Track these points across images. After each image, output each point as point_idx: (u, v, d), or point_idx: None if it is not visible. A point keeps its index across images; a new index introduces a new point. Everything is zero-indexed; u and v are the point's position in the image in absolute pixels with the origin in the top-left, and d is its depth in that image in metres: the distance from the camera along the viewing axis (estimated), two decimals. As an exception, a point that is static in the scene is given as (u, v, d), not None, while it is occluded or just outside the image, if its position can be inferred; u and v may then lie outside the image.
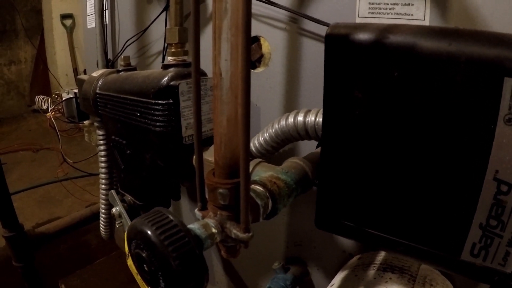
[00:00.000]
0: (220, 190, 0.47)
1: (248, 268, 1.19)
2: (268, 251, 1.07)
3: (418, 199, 0.50)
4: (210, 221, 0.49)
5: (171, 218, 0.45)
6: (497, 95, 0.40)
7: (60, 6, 4.33)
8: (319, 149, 0.72)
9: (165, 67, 0.82)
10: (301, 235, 0.97)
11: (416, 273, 0.73)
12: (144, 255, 0.45)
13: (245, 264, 1.19)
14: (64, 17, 4.31)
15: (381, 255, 0.79)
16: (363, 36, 0.49)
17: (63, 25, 4.34)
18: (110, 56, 1.42)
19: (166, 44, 1.10)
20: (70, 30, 4.38)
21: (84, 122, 1.36)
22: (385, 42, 0.47)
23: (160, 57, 1.19)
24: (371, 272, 0.74)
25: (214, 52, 0.46)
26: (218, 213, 0.49)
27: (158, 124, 0.78)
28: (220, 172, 0.49)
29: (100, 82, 1.00)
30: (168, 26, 0.83)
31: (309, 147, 0.83)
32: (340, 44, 0.51)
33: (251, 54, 0.87)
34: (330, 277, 0.86)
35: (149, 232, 0.43)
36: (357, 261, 0.81)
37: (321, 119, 0.64)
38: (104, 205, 1.26)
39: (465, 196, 0.46)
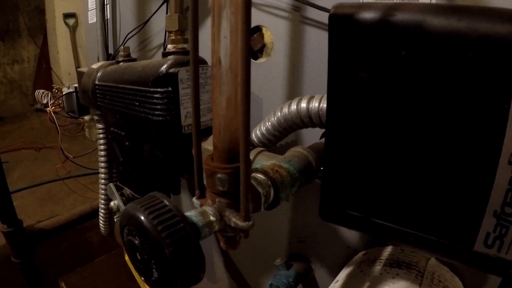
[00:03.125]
0: (219, 175, 0.45)
1: (250, 265, 1.17)
2: (270, 247, 1.05)
3: (428, 186, 0.47)
4: (208, 209, 0.47)
5: (166, 203, 0.42)
6: (511, 74, 0.38)
7: (63, 5, 4.33)
8: (323, 140, 0.70)
9: (165, 55, 0.80)
10: (304, 230, 0.94)
11: (424, 269, 0.70)
12: (136, 242, 0.42)
13: (247, 261, 1.17)
14: (67, 16, 4.31)
15: (387, 250, 0.77)
16: (368, 15, 0.46)
17: (66, 24, 4.35)
18: (111, 51, 1.40)
19: (166, 36, 1.09)
20: (73, 29, 4.38)
21: (85, 117, 1.34)
22: (392, 20, 0.45)
23: (161, 50, 1.18)
24: (377, 267, 0.72)
25: (213, 29, 0.44)
26: (217, 200, 0.47)
27: (157, 113, 0.76)
28: (219, 156, 0.46)
29: (99, 74, 0.98)
30: (168, 14, 0.81)
31: (312, 140, 0.80)
32: (344, 24, 0.48)
33: (252, 44, 0.85)
34: (334, 274, 0.84)
35: (141, 217, 0.40)
36: (363, 257, 0.79)
37: (325, 105, 0.62)
38: (104, 200, 1.24)
39: (478, 182, 0.43)
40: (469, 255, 0.47)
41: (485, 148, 0.42)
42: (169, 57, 0.78)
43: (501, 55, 0.38)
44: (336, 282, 0.74)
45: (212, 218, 0.46)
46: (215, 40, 0.44)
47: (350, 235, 0.85)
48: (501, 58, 0.38)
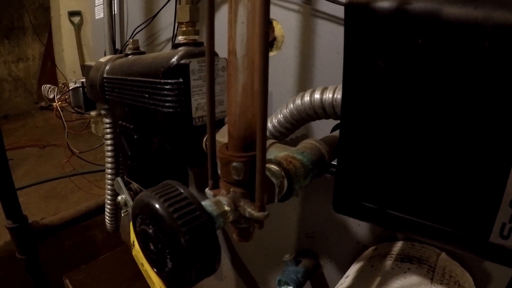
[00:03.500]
0: (234, 164, 0.44)
1: (257, 261, 1.16)
2: (278, 243, 1.04)
3: (444, 177, 0.47)
4: (223, 199, 0.46)
5: (181, 190, 0.42)
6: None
7: (68, 3, 4.36)
8: (334, 133, 0.70)
9: (175, 46, 0.79)
10: (313, 226, 0.94)
11: (435, 264, 0.70)
12: (150, 231, 0.41)
13: (254, 257, 1.17)
14: (72, 14, 4.34)
15: (398, 245, 0.76)
16: (384, 3, 0.46)
17: (71, 22, 4.37)
18: (118, 46, 1.40)
19: (175, 31, 1.09)
20: (78, 27, 4.40)
21: (91, 113, 1.34)
22: (408, 9, 0.44)
23: (169, 45, 1.18)
24: (388, 262, 0.71)
25: (230, 16, 0.43)
26: (232, 190, 0.46)
27: (167, 104, 0.76)
28: (234, 145, 0.46)
29: (107, 67, 0.98)
30: (179, 5, 0.81)
31: (322, 134, 0.80)
32: (361, 13, 0.48)
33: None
34: (343, 270, 0.84)
35: (156, 205, 0.40)
36: (373, 252, 0.78)
37: (339, 96, 0.62)
38: (110, 195, 1.24)
39: (493, 171, 0.43)
40: (485, 247, 0.46)
41: (501, 137, 0.41)
42: (180, 48, 0.77)
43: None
44: (347, 277, 0.74)
45: (226, 208, 0.45)
46: (231, 27, 0.43)
47: (360, 230, 0.85)
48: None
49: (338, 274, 0.92)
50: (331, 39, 0.77)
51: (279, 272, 0.94)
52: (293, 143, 0.81)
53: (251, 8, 0.42)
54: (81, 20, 4.38)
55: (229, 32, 0.43)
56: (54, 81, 4.81)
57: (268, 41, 0.38)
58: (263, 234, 1.05)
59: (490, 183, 0.44)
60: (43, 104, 5.06)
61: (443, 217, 0.48)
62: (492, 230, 0.45)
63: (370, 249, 0.81)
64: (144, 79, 0.80)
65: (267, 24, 0.38)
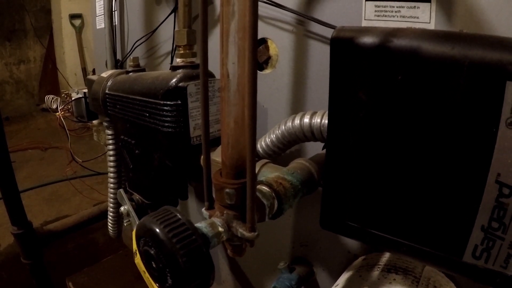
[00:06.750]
0: (227, 190, 0.48)
1: (254, 267, 1.20)
2: (274, 251, 1.08)
3: (421, 201, 0.50)
4: (217, 220, 0.50)
5: (179, 216, 0.46)
6: (500, 99, 0.41)
7: (69, 6, 4.37)
8: (324, 151, 0.73)
9: (174, 68, 0.83)
10: (307, 235, 0.98)
11: (420, 274, 0.73)
12: (152, 252, 0.46)
13: (251, 264, 1.21)
14: (73, 17, 4.35)
15: (386, 256, 0.80)
16: (367, 39, 0.49)
17: (72, 25, 4.39)
18: (119, 56, 1.43)
19: (174, 45, 1.12)
20: (79, 30, 4.42)
21: (93, 121, 1.37)
22: (389, 46, 0.47)
23: (169, 58, 1.21)
24: (375, 273, 0.75)
25: (222, 55, 0.47)
26: (225, 212, 0.51)
27: (166, 124, 0.80)
28: (227, 172, 0.50)
29: (109, 83, 1.02)
30: (176, 28, 0.84)
31: (315, 148, 0.83)
32: (345, 47, 0.51)
33: (258, 56, 0.88)
34: (335, 277, 0.87)
35: (157, 230, 0.44)
36: (362, 262, 0.82)
37: (326, 121, 0.65)
38: (113, 204, 1.27)
39: (467, 198, 0.46)
40: (459, 265, 0.50)
41: (474, 167, 0.45)
42: (178, 71, 0.81)
43: (490, 80, 0.41)
44: (336, 286, 0.77)
45: (220, 229, 0.50)
46: (223, 66, 0.47)
47: (351, 241, 0.88)
48: (490, 83, 0.41)
49: (331, 281, 0.95)
50: (322, 59, 0.80)
51: (275, 277, 0.97)
52: (287, 157, 0.85)
53: (242, 47, 0.46)
54: (82, 23, 4.41)
55: (221, 70, 0.47)
56: (55, 83, 4.84)
57: (256, 80, 0.42)
58: (259, 242, 1.08)
59: (464, 209, 0.47)
60: (44, 105, 5.08)
61: (420, 237, 0.52)
62: (465, 251, 0.48)
63: (360, 259, 0.85)
64: (144, 98, 0.84)
65: (255, 66, 0.42)
